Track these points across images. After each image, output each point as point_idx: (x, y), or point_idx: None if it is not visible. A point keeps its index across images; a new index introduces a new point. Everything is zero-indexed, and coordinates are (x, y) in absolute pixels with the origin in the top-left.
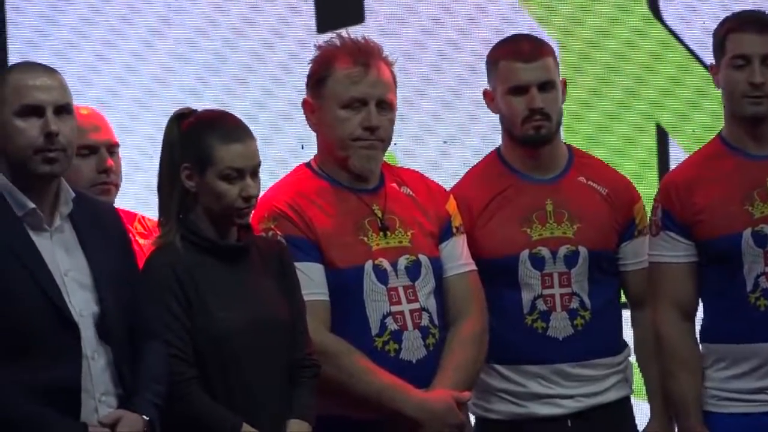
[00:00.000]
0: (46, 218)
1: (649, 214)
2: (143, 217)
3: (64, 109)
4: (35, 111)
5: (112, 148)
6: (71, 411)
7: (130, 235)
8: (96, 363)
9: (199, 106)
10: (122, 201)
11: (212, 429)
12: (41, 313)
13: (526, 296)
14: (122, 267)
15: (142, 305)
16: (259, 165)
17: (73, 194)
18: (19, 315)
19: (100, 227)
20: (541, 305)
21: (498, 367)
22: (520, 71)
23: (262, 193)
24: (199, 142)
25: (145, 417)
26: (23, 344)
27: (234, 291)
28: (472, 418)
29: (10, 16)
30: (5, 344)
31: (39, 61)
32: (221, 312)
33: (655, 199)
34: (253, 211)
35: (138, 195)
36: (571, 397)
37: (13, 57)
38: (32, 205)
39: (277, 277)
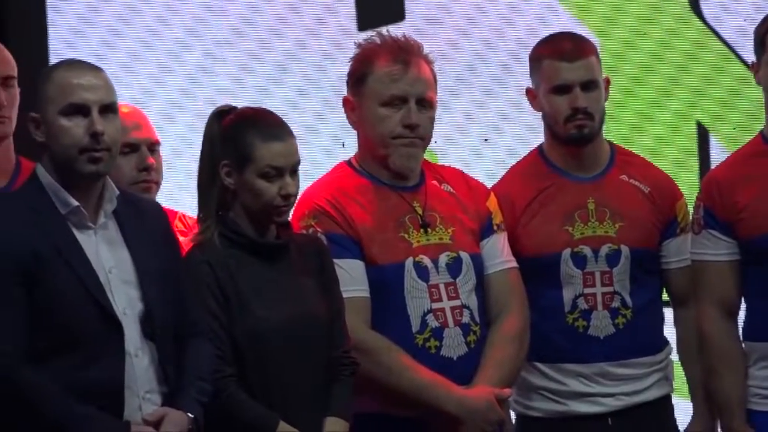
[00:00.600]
0: (90, 216)
1: (691, 213)
2: (183, 215)
3: (109, 108)
4: (81, 110)
5: (153, 146)
6: (115, 409)
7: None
8: (140, 361)
9: (239, 104)
10: (161, 199)
11: (250, 426)
12: (85, 311)
13: (568, 295)
14: (167, 264)
15: (187, 302)
16: (298, 163)
17: (118, 192)
18: (63, 313)
19: (145, 224)
20: (583, 304)
21: (539, 365)
22: (563, 70)
23: (302, 191)
24: (240, 140)
25: (189, 414)
26: (67, 342)
27: (273, 288)
28: (513, 416)
29: (51, 18)
30: (49, 342)
31: (79, 57)
32: (260, 310)
33: (697, 198)
34: (291, 210)
35: (175, 193)
36: (611, 395)
37: (54, 57)
38: (76, 203)
39: (316, 275)
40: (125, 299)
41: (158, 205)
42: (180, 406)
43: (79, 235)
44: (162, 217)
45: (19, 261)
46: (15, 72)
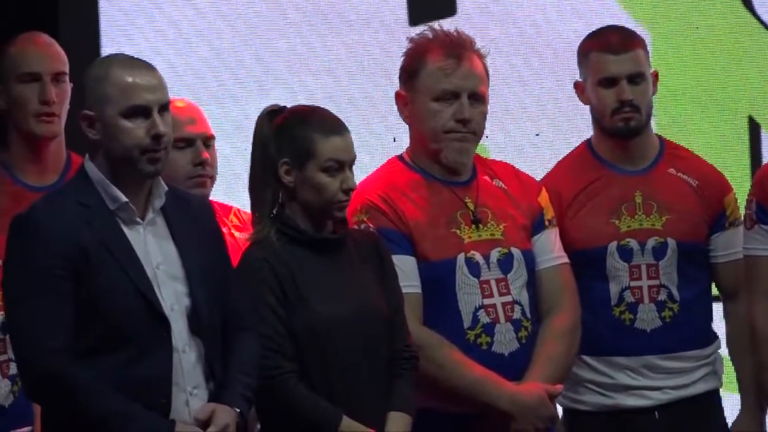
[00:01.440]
0: (138, 211)
1: (741, 208)
2: (239, 210)
3: (165, 108)
4: (142, 111)
5: (208, 140)
6: (162, 405)
7: (225, 229)
8: (187, 356)
9: (291, 100)
10: (216, 193)
11: (312, 422)
12: (132, 307)
13: (614, 288)
14: (214, 260)
15: (234, 298)
16: (355, 158)
17: (166, 188)
18: (111, 309)
19: (192, 221)
20: (629, 297)
21: (586, 358)
22: (609, 63)
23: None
24: (298, 137)
25: (236, 409)
26: (115, 338)
27: (332, 283)
28: (560, 409)
29: (103, 7)
30: (97, 338)
31: (131, 52)
32: (320, 304)
33: (749, 193)
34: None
35: (231, 188)
36: (659, 389)
37: (106, 50)
38: (125, 199)
39: (375, 268)
40: (173, 295)
41: (205, 201)
42: (226, 402)
43: (128, 231)
44: (209, 212)
45: (67, 256)
46: (67, 68)
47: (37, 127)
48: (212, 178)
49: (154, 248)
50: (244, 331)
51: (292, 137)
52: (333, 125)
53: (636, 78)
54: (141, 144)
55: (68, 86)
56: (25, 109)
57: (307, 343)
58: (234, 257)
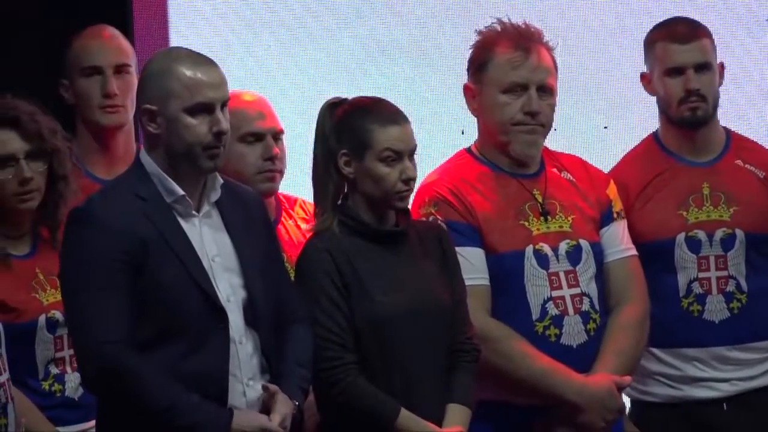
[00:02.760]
0: (194, 204)
1: None
2: (304, 201)
3: (226, 104)
4: (206, 108)
5: (277, 135)
6: (219, 396)
7: (291, 220)
8: (244, 348)
9: (358, 92)
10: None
11: (371, 414)
12: (190, 299)
13: (682, 279)
14: (267, 252)
15: (287, 290)
16: (415, 148)
17: (222, 181)
18: (168, 300)
19: (246, 213)
20: (697, 288)
21: (655, 350)
22: (676, 53)
23: (422, 178)
24: (356, 128)
25: (295, 402)
26: (172, 329)
27: (394, 275)
28: (627, 401)
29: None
30: (155, 330)
31: (195, 42)
32: (381, 296)
33: None
34: (412, 195)
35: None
36: (727, 380)
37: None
38: (182, 192)
39: (437, 261)
40: (228, 287)
41: (257, 195)
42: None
43: (184, 224)
44: (261, 206)
45: (125, 249)
46: (130, 59)
47: (102, 118)
48: (281, 173)
49: (210, 241)
50: (298, 322)
51: (351, 128)
52: (390, 115)
53: (703, 67)
54: (203, 141)
55: (134, 77)
56: (89, 102)
57: (368, 334)
58: (299, 247)
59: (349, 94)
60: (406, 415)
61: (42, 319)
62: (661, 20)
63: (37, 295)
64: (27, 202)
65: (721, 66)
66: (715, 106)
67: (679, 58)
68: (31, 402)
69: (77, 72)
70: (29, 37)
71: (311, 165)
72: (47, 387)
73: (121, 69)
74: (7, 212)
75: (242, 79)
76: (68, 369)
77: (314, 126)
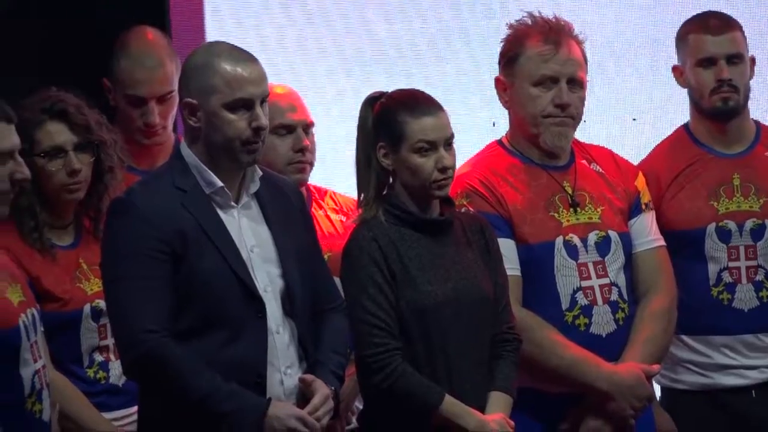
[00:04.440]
0: (233, 196)
1: None
2: (334, 193)
3: (265, 100)
4: (245, 104)
5: (308, 127)
6: (257, 384)
7: (321, 211)
8: (281, 337)
9: (393, 85)
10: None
11: (415, 400)
12: (228, 289)
13: (712, 268)
14: (304, 243)
15: (324, 279)
16: (452, 137)
17: (260, 173)
18: (207, 291)
19: (284, 205)
20: (727, 277)
21: (684, 338)
22: (708, 43)
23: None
24: (392, 121)
25: (331, 388)
26: (211, 319)
27: (438, 264)
28: (657, 389)
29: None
30: (194, 319)
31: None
32: (426, 285)
33: None
34: (451, 182)
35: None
36: (755, 368)
37: (211, 34)
38: (221, 184)
39: (481, 251)
40: (266, 277)
41: (295, 186)
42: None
43: (223, 215)
44: (299, 197)
45: (165, 239)
46: (173, 84)
47: (141, 138)
48: (311, 164)
49: (248, 231)
50: (335, 311)
51: (387, 122)
52: (424, 106)
53: (734, 58)
54: (242, 136)
55: (175, 98)
56: (130, 123)
57: (412, 322)
58: (330, 238)
59: (386, 87)
60: (450, 402)
61: (87, 308)
62: (693, 14)
63: (81, 285)
64: (74, 192)
65: (753, 59)
66: (746, 97)
67: (711, 48)
68: (77, 389)
69: (121, 93)
70: (72, 31)
71: (355, 157)
72: (92, 374)
73: (165, 97)
74: (54, 203)
75: (275, 72)
76: (112, 357)
77: (345, 119)
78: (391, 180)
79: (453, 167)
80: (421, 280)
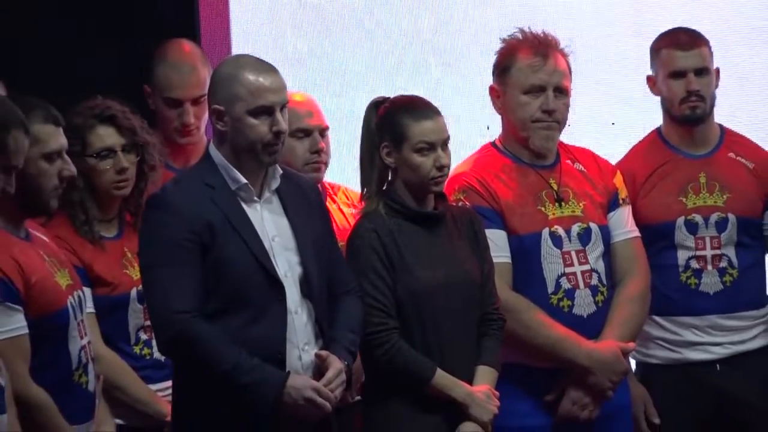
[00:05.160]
0: (256, 191)
1: None
2: (347, 189)
3: (285, 107)
4: (267, 111)
5: (323, 131)
6: (278, 359)
7: (335, 205)
8: (299, 317)
9: (395, 92)
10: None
11: (410, 373)
12: (252, 274)
13: (681, 256)
14: (321, 233)
15: (339, 266)
16: (448, 138)
17: (281, 171)
18: (233, 276)
19: (302, 199)
20: (694, 264)
21: (657, 318)
22: (679, 58)
23: (452, 169)
24: (395, 123)
25: (345, 362)
26: (236, 301)
27: (432, 253)
28: (633, 363)
29: (233, 7)
30: (220, 302)
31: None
32: (421, 271)
33: None
34: (446, 180)
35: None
36: (720, 344)
37: (236, 43)
38: (245, 180)
39: (470, 241)
40: (286, 264)
41: (313, 183)
42: (335, 355)
43: (247, 208)
44: (316, 193)
45: (195, 230)
46: (206, 89)
47: (177, 138)
48: (326, 164)
49: (270, 223)
50: (349, 294)
51: (390, 124)
52: (424, 111)
53: (702, 71)
54: (264, 139)
55: (206, 102)
56: (168, 123)
57: (408, 304)
58: (343, 230)
59: (390, 93)
60: (441, 375)
61: (133, 292)
62: (666, 30)
63: (127, 271)
64: (122, 189)
65: (717, 71)
66: (712, 105)
67: (681, 62)
68: (126, 364)
69: (160, 96)
70: (110, 42)
71: (359, 155)
72: (138, 351)
73: (198, 99)
74: (103, 198)
75: (294, 81)
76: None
77: (353, 121)
78: (391, 176)
79: (448, 166)
80: (416, 267)
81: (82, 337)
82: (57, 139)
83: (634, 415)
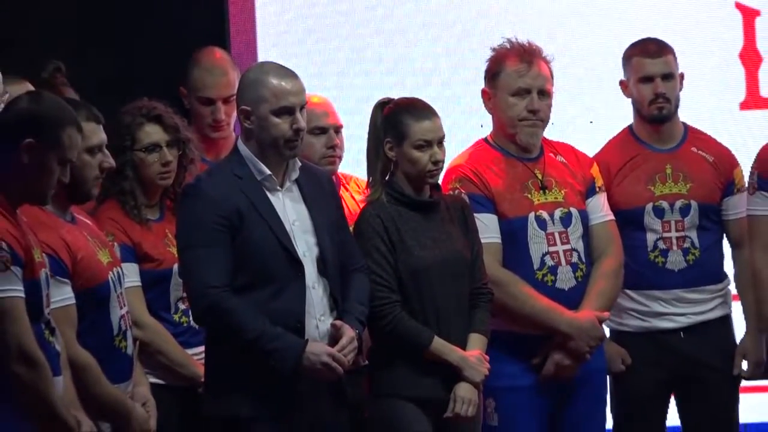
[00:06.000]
0: (278, 181)
1: (746, 178)
2: (358, 179)
3: (304, 107)
4: (288, 111)
5: (338, 129)
6: (298, 328)
7: (347, 193)
8: (316, 292)
9: (401, 94)
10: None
11: (411, 340)
12: (275, 254)
13: (650, 238)
14: (334, 218)
15: (350, 247)
16: (443, 137)
17: (300, 164)
18: (258, 255)
19: (319, 188)
20: (661, 245)
21: (629, 291)
22: (647, 65)
23: (450, 161)
24: (397, 122)
25: (356, 330)
26: (261, 278)
27: (428, 235)
28: (607, 331)
29: (259, 13)
30: (247, 278)
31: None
32: (418, 251)
33: (752, 166)
34: (441, 173)
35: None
36: (683, 314)
37: (261, 52)
38: (269, 172)
39: (461, 225)
40: (305, 245)
41: (328, 174)
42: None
43: (271, 196)
44: (330, 183)
45: (225, 215)
46: (234, 90)
47: (210, 133)
48: (340, 158)
49: (290, 209)
50: (358, 271)
51: (393, 122)
52: (423, 112)
53: (668, 77)
54: (285, 136)
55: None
56: (202, 119)
57: (408, 280)
58: (354, 214)
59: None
60: (438, 341)
61: (175, 267)
62: (636, 40)
63: (170, 249)
64: (166, 179)
65: (682, 76)
66: (677, 106)
67: (650, 69)
68: (167, 331)
69: (195, 95)
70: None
71: (366, 150)
72: (177, 319)
73: (228, 98)
74: (149, 187)
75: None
76: None
77: (358, 119)
78: (392, 169)
79: (443, 161)
80: (415, 248)
81: (121, 308)
82: (98, 135)
83: (609, 357)
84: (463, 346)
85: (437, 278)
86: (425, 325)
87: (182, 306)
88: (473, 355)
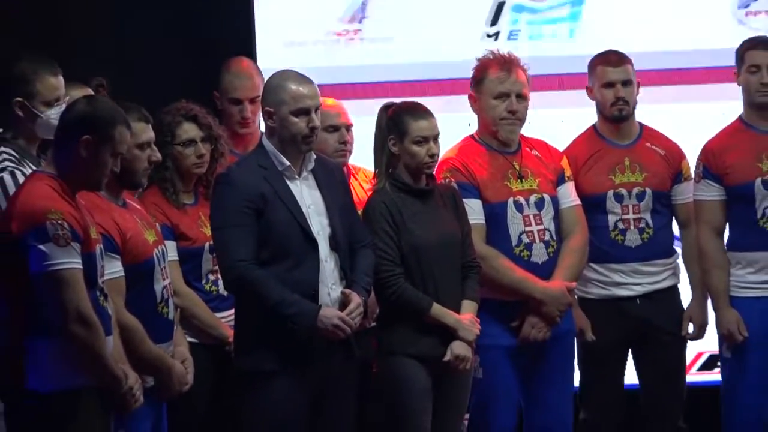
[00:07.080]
0: (297, 171)
1: (692, 168)
2: (366, 170)
3: (318, 109)
4: (305, 112)
5: (348, 127)
6: (312, 295)
7: (356, 182)
8: (328, 265)
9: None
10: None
11: (413, 306)
12: (293, 233)
13: (611, 220)
14: (344, 202)
15: (357, 226)
16: (438, 134)
17: (315, 156)
18: (279, 235)
19: (331, 178)
20: (621, 225)
21: (593, 265)
22: (610, 72)
23: (443, 154)
24: (399, 122)
25: (362, 297)
26: (281, 253)
27: (425, 218)
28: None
29: (259, 18)
30: (269, 254)
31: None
32: (418, 232)
33: (697, 158)
34: (436, 165)
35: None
36: (640, 284)
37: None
38: (288, 163)
39: (452, 210)
40: (319, 225)
41: (339, 166)
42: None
43: (290, 184)
44: (341, 172)
45: (252, 200)
46: (259, 92)
47: (238, 129)
48: (350, 152)
49: (307, 195)
50: (364, 247)
51: (396, 121)
52: (421, 113)
53: (627, 83)
54: (302, 133)
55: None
56: (231, 118)
57: (410, 256)
58: (362, 200)
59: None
60: (436, 307)
61: (206, 245)
62: (600, 51)
63: (203, 229)
64: (200, 168)
65: (638, 83)
66: (634, 107)
67: (611, 76)
68: (200, 298)
69: (225, 98)
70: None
71: (373, 146)
72: (208, 288)
73: (254, 99)
74: (186, 176)
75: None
76: (219, 277)
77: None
78: (395, 162)
79: (438, 154)
80: (415, 229)
81: (164, 279)
82: (147, 132)
83: (578, 330)
84: (458, 311)
85: (434, 254)
86: (425, 293)
87: (212, 277)
88: (466, 318)
